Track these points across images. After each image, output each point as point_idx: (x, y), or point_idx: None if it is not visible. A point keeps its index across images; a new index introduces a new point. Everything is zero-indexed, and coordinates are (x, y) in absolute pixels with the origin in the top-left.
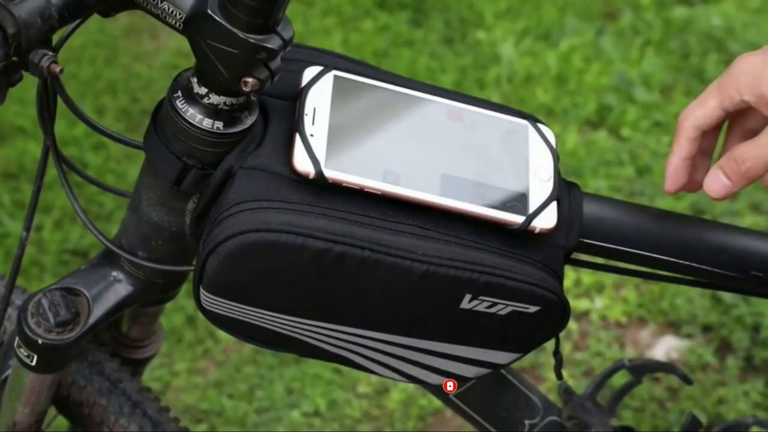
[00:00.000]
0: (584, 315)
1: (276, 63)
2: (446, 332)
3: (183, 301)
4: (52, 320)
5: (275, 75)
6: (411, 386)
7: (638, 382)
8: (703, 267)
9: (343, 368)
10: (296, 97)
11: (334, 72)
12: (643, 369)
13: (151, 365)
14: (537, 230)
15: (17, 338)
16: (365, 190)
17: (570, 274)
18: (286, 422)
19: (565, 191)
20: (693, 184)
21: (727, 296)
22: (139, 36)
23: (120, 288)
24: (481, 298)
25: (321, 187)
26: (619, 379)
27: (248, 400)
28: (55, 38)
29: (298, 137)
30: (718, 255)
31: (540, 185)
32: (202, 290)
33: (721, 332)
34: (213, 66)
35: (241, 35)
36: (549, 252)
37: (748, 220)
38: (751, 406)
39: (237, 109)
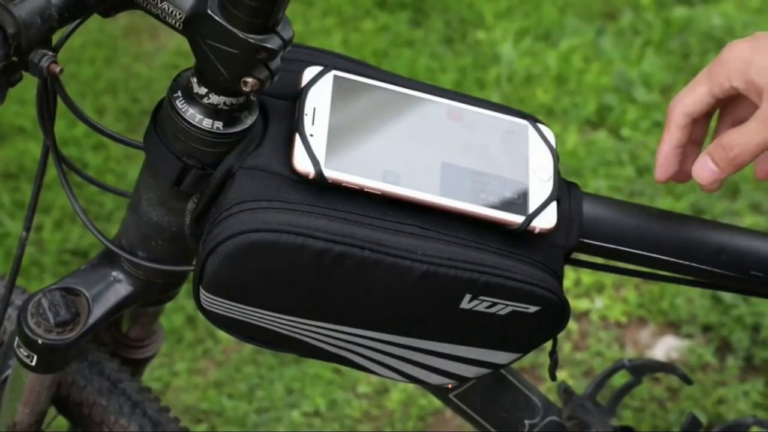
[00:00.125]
0: (584, 315)
1: (276, 63)
2: (446, 332)
3: (183, 301)
4: (52, 320)
5: (275, 75)
6: (411, 386)
7: (638, 382)
8: (703, 267)
9: (343, 368)
10: (296, 97)
11: (334, 72)
12: (643, 369)
13: (151, 365)
14: (537, 230)
15: (17, 338)
16: (365, 190)
17: (570, 274)
18: (286, 422)
19: (565, 191)
20: (683, 174)
21: (727, 296)
22: (139, 36)
23: (120, 288)
24: (481, 298)
25: (321, 187)
26: (619, 379)
27: (248, 400)
28: (55, 38)
29: (297, 137)
30: (718, 255)
31: (540, 185)
32: (202, 290)
33: (721, 332)
34: (213, 66)
35: (241, 35)
36: (549, 252)
37: (748, 220)
38: (751, 406)
39: (237, 109)
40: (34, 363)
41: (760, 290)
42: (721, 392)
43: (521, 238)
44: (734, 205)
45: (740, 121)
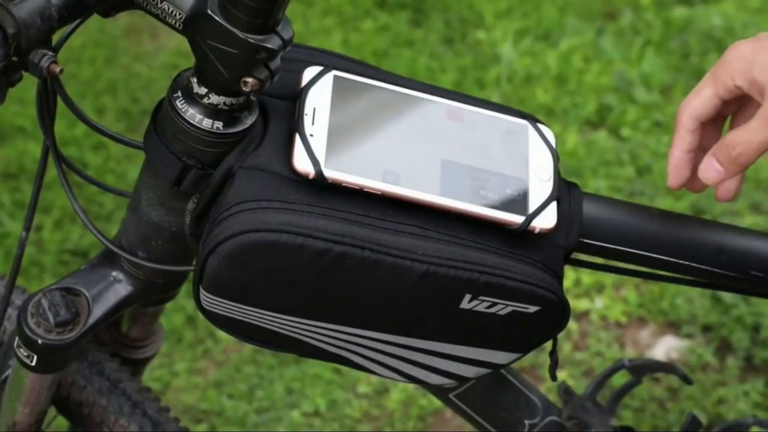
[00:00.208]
0: (584, 315)
1: (276, 63)
2: (446, 332)
3: (183, 301)
4: (52, 320)
5: (275, 75)
6: (411, 386)
7: (638, 382)
8: (703, 267)
9: (343, 368)
10: (296, 97)
11: (334, 72)
12: (643, 369)
13: (151, 365)
14: (537, 230)
15: (17, 338)
16: (365, 190)
17: (570, 274)
18: (286, 422)
19: (565, 191)
20: (698, 182)
21: (727, 296)
22: (139, 36)
23: (120, 288)
24: (481, 298)
25: (321, 187)
26: (619, 379)
27: (248, 400)
28: (55, 38)
29: (297, 137)
30: (718, 255)
31: (540, 185)
32: (202, 290)
33: (721, 332)
34: (213, 66)
35: (240, 35)
36: (549, 252)
37: (748, 220)
38: (751, 406)
39: (237, 109)
40: (34, 363)
41: (760, 290)
42: (721, 392)
43: (521, 238)
44: (734, 205)
45: None
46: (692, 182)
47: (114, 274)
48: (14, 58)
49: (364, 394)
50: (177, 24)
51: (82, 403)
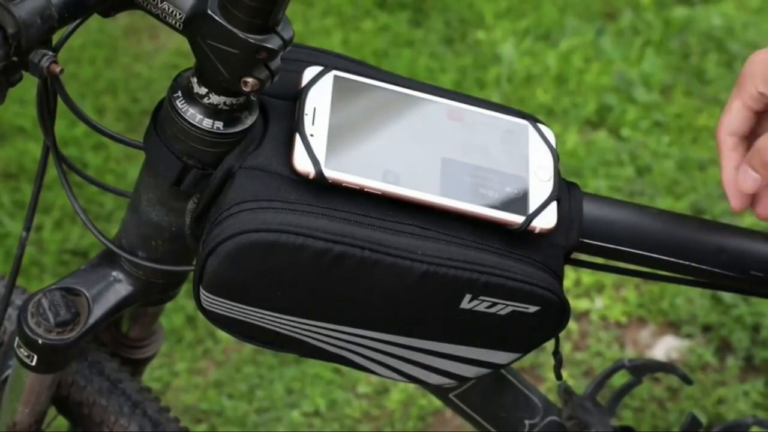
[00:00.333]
0: (584, 315)
1: (276, 63)
2: (446, 332)
3: (183, 301)
4: (52, 320)
5: (275, 75)
6: (411, 386)
7: (638, 382)
8: (703, 267)
9: (343, 368)
10: (296, 97)
11: (334, 72)
12: (643, 369)
13: (151, 365)
14: (537, 230)
15: (17, 338)
16: (365, 190)
17: (570, 274)
18: (286, 422)
19: (565, 191)
20: (761, 205)
21: (727, 296)
22: (139, 36)
23: (120, 288)
24: (481, 298)
25: (321, 187)
26: (619, 379)
27: (248, 400)
28: (55, 38)
29: (298, 137)
30: (718, 255)
31: (540, 185)
32: (202, 290)
33: (721, 332)
34: (213, 66)
35: (241, 35)
36: (549, 252)
37: (748, 220)
38: (751, 406)
39: (237, 109)
40: (34, 363)
41: (760, 290)
42: (721, 392)
43: (521, 238)
44: None
45: None
46: (761, 204)
47: (114, 274)
48: (14, 58)
49: (364, 394)
50: (177, 24)
51: (82, 403)
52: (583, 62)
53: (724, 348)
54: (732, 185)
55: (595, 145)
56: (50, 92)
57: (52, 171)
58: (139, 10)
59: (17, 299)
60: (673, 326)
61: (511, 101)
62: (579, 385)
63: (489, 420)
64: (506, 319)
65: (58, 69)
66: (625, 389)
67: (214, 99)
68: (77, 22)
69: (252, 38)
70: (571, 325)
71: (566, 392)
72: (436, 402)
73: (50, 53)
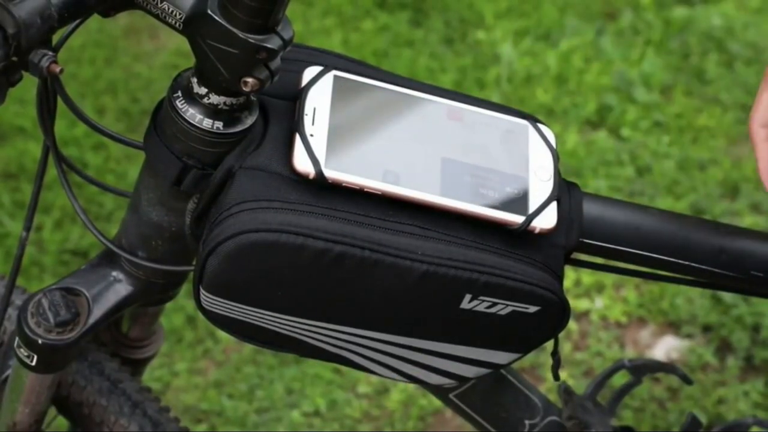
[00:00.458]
0: (584, 315)
1: (276, 63)
2: (446, 332)
3: (183, 301)
4: (52, 320)
5: (275, 75)
6: (411, 386)
7: (638, 382)
8: (703, 267)
9: (343, 368)
10: (296, 97)
11: (334, 72)
12: (643, 369)
13: (151, 365)
14: (537, 230)
15: (17, 338)
16: (365, 190)
17: (570, 274)
18: (286, 422)
19: (565, 191)
20: None
21: (727, 296)
22: (139, 36)
23: (120, 288)
24: (481, 298)
25: (321, 187)
26: (619, 379)
27: (248, 400)
28: (55, 38)
29: (298, 137)
30: (718, 255)
31: (540, 185)
32: (202, 290)
33: (721, 332)
34: (213, 66)
35: (241, 35)
36: (549, 252)
37: (748, 220)
38: (751, 406)
39: (237, 109)
40: (34, 363)
41: (760, 290)
42: (721, 392)
43: (521, 238)
44: (734, 205)
45: None
46: None
47: (114, 274)
48: (14, 58)
49: (364, 394)
50: (177, 24)
51: (82, 403)
52: (583, 62)
53: (724, 348)
54: None
55: (595, 145)
56: (50, 92)
57: (52, 171)
58: (139, 10)
59: (17, 299)
60: (673, 326)
61: (511, 101)
62: (579, 385)
63: (489, 420)
64: (506, 319)
65: (58, 69)
66: (625, 389)
67: (214, 99)
68: (77, 22)
69: (252, 38)
70: (571, 325)
71: (566, 392)
72: (436, 402)
73: (50, 53)
